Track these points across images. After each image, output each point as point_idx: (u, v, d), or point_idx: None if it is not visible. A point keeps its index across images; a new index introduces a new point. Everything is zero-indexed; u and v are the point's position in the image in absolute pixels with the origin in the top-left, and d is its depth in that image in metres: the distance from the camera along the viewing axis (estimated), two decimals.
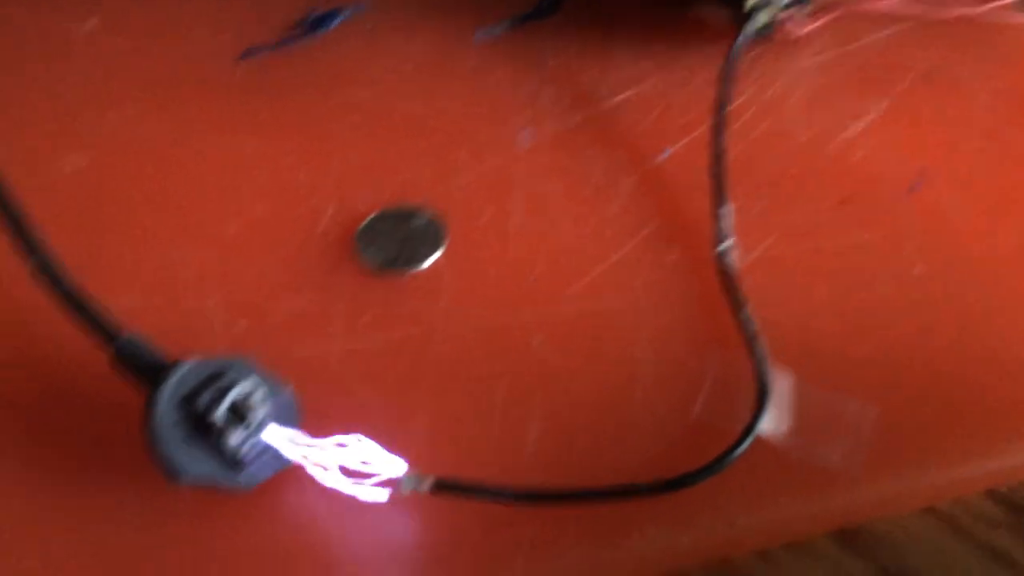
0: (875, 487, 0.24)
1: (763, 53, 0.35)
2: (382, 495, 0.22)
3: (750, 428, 0.24)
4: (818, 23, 0.35)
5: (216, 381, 0.23)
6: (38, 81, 0.35)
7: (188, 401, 0.23)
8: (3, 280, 0.29)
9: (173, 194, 0.31)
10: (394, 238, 0.29)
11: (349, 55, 0.36)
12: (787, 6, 0.34)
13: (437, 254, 0.29)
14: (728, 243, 0.28)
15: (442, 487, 0.22)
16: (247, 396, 0.23)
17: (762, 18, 0.34)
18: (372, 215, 0.30)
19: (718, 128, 0.31)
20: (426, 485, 0.22)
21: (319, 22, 0.38)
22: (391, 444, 0.24)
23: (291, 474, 0.24)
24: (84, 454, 0.25)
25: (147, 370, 0.24)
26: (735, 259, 0.28)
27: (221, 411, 0.23)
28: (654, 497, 0.23)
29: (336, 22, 0.38)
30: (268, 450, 0.23)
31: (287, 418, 0.24)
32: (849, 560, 0.24)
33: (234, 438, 0.23)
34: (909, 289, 0.27)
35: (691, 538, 0.23)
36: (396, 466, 0.22)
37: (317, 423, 0.25)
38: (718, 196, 0.29)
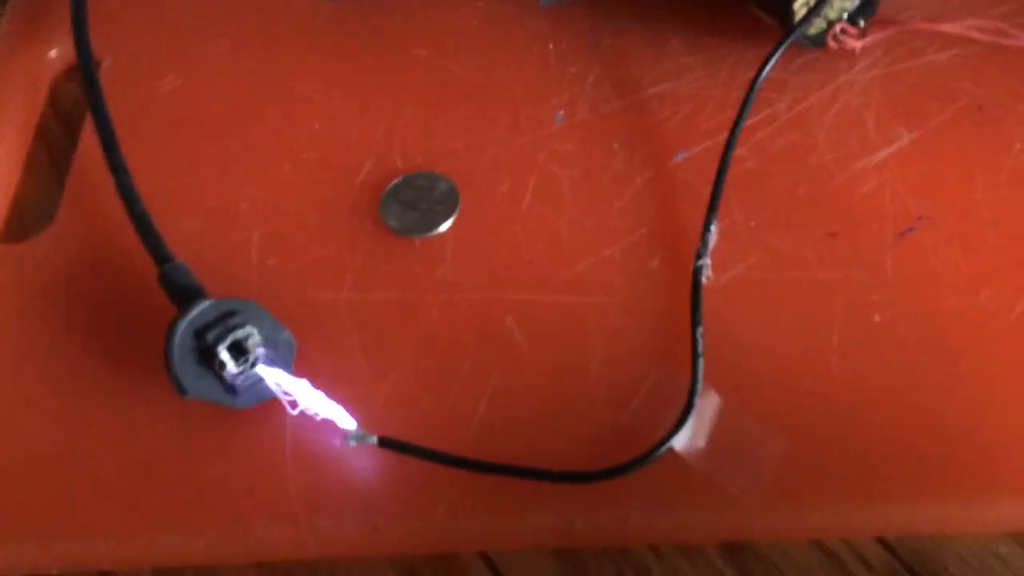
0: (764, 515, 0.26)
1: (812, 62, 0.35)
2: (335, 440, 0.27)
3: (657, 445, 0.27)
4: (872, 38, 0.34)
5: (227, 319, 0.28)
6: (151, 5, 0.39)
7: (201, 333, 0.28)
8: (97, 190, 0.34)
9: (245, 127, 0.36)
10: (414, 204, 0.33)
11: (423, 6, 0.39)
12: (839, 19, 0.34)
13: (448, 224, 0.32)
14: (702, 262, 0.30)
15: (385, 443, 0.27)
16: (248, 337, 0.28)
17: (812, 28, 0.34)
18: (399, 179, 0.33)
19: (729, 143, 0.32)
20: (371, 440, 0.27)
21: None
22: (364, 393, 0.29)
23: (279, 400, 0.29)
24: (127, 353, 0.31)
25: (180, 297, 0.29)
26: (706, 278, 0.30)
27: (224, 346, 0.28)
28: (559, 484, 0.27)
29: None
30: (260, 382, 0.28)
31: (283, 357, 0.29)
32: (729, 571, 0.27)
33: (231, 369, 0.28)
34: (861, 336, 0.29)
35: (584, 524, 0.26)
36: (348, 421, 0.27)
37: (310, 362, 0.29)
38: (711, 212, 0.31)
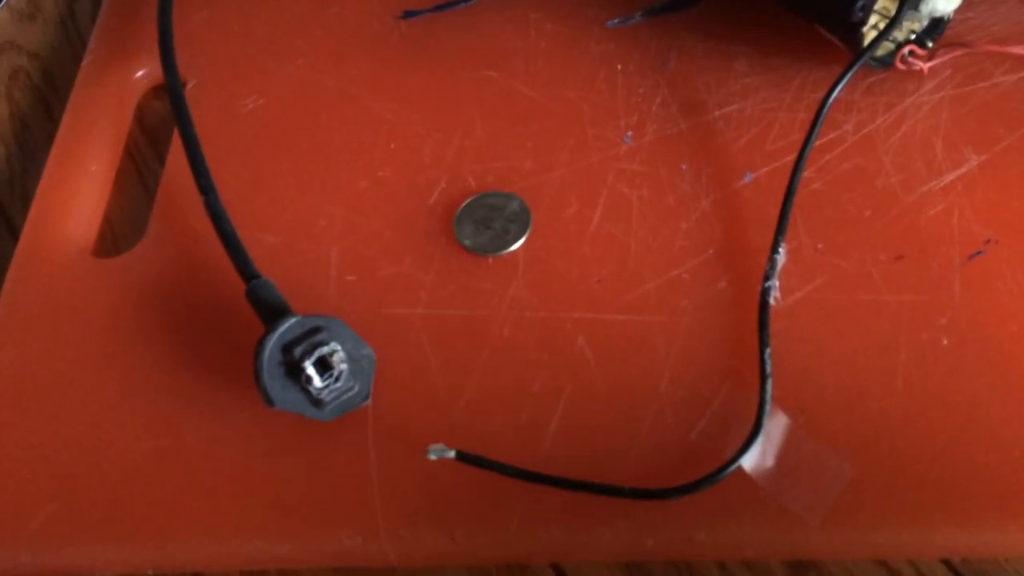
0: (830, 534, 0.27)
1: (879, 83, 0.35)
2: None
3: (728, 464, 0.27)
4: (939, 60, 0.35)
5: (313, 335, 0.30)
6: (233, 26, 0.41)
7: (289, 348, 0.30)
8: (185, 207, 0.36)
9: (323, 146, 0.37)
10: (487, 223, 0.34)
11: (492, 28, 0.40)
12: (908, 41, 0.35)
13: (519, 243, 0.34)
14: (770, 283, 0.31)
15: (462, 458, 0.28)
16: (333, 353, 0.29)
17: (880, 49, 0.34)
18: (471, 198, 0.35)
19: (797, 165, 0.32)
20: (449, 454, 0.28)
21: None
22: (441, 407, 0.30)
23: (361, 413, 0.30)
24: (215, 364, 0.32)
25: (267, 313, 0.31)
26: (774, 299, 0.31)
27: (310, 362, 0.29)
28: (631, 500, 0.27)
29: None
30: (344, 394, 0.30)
31: (365, 372, 0.30)
32: None
33: (317, 383, 0.29)
34: (928, 360, 0.29)
35: (655, 542, 0.27)
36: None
37: (389, 377, 0.31)
38: (778, 234, 0.32)
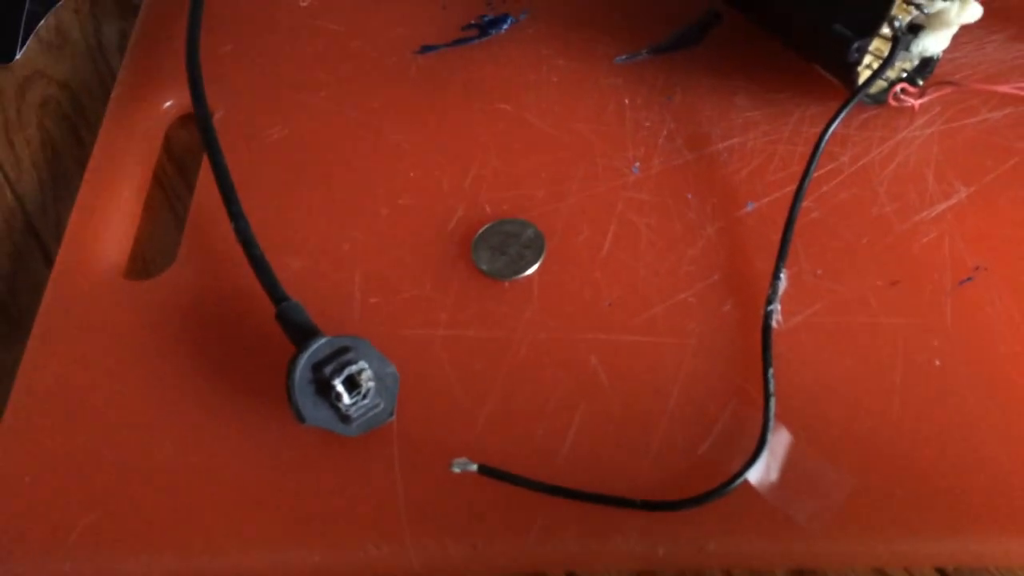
0: (830, 544, 0.29)
1: (872, 118, 0.38)
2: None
3: (735, 477, 0.29)
4: (929, 97, 0.37)
5: (341, 355, 0.31)
6: (258, 59, 0.43)
7: (319, 367, 0.31)
8: (214, 232, 0.38)
9: (346, 174, 0.39)
10: (503, 248, 0.36)
11: (505, 63, 0.42)
12: (900, 79, 0.37)
13: (534, 268, 0.35)
14: (772, 307, 0.32)
15: (484, 471, 0.30)
16: (361, 371, 0.31)
17: (873, 87, 0.36)
18: (488, 225, 0.36)
19: (797, 195, 0.34)
20: (472, 467, 0.30)
21: (491, 25, 0.43)
22: (462, 423, 0.32)
23: (386, 429, 0.32)
24: (245, 383, 0.34)
25: (297, 333, 0.33)
26: (776, 322, 0.32)
27: (340, 380, 0.31)
28: (643, 512, 0.29)
29: (505, 26, 0.43)
30: (371, 411, 0.31)
31: (389, 390, 0.32)
32: None
33: (346, 401, 0.31)
34: (922, 380, 0.31)
35: (666, 551, 0.29)
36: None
37: (412, 395, 0.32)
38: (780, 260, 0.33)
